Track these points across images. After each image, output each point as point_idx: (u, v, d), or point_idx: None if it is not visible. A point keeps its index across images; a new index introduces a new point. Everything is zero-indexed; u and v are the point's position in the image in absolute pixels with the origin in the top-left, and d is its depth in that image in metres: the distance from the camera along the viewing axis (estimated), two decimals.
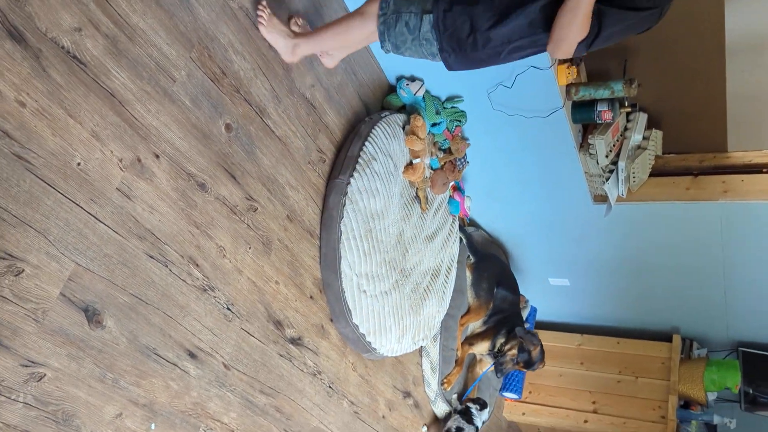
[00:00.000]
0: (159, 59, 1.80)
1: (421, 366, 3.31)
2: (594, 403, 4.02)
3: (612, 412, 3.93)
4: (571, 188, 3.18)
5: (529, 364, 3.30)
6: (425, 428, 3.25)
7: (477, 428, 3.25)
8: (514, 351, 3.29)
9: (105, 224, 1.64)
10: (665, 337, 4.05)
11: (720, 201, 2.91)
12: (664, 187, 3.09)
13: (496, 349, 3.43)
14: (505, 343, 3.35)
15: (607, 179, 3.05)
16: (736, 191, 2.90)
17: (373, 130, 2.64)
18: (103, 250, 1.64)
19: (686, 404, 3.94)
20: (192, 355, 1.90)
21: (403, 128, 2.83)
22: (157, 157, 1.80)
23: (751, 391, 3.91)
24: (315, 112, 2.49)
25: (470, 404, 3.36)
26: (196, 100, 1.93)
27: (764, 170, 2.89)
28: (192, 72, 1.92)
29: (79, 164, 1.58)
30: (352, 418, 2.67)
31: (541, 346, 3.33)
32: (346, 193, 2.48)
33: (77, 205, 1.58)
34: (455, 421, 3.23)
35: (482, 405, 3.39)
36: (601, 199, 3.19)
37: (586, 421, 3.93)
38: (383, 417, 2.90)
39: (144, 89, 1.75)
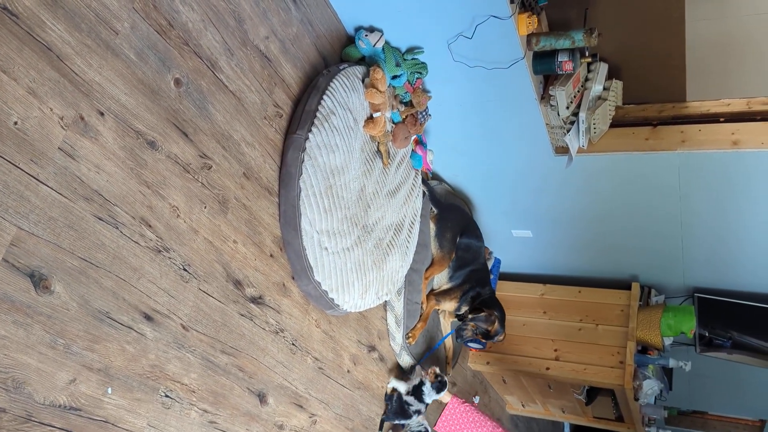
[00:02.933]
0: (99, 10, 1.70)
1: (386, 320, 3.33)
2: (556, 350, 4.11)
3: (573, 359, 4.03)
4: (533, 140, 3.17)
5: (487, 337, 3.45)
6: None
7: (426, 405, 3.18)
8: (474, 325, 3.42)
9: (48, 186, 1.57)
10: (625, 285, 4.14)
11: (678, 151, 2.94)
12: (624, 137, 3.10)
13: (460, 313, 3.51)
14: (469, 311, 3.46)
15: (568, 131, 3.05)
16: (694, 141, 2.92)
17: (332, 84, 2.58)
18: (47, 213, 1.57)
19: (644, 349, 4.06)
20: (148, 318, 1.86)
21: (363, 81, 2.77)
22: (102, 114, 1.72)
23: (706, 334, 4.05)
24: (270, 65, 2.41)
25: (427, 381, 3.16)
26: (141, 53, 1.84)
27: (721, 119, 2.91)
28: (136, 24, 1.82)
29: (16, 123, 1.50)
30: (317, 373, 2.68)
31: (501, 320, 3.43)
32: (304, 149, 2.43)
33: (16, 166, 1.50)
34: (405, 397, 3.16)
35: (440, 386, 3.17)
36: (563, 150, 3.20)
37: (548, 368, 4.02)
38: (348, 371, 2.92)
39: (84, 42, 1.66)
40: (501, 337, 3.46)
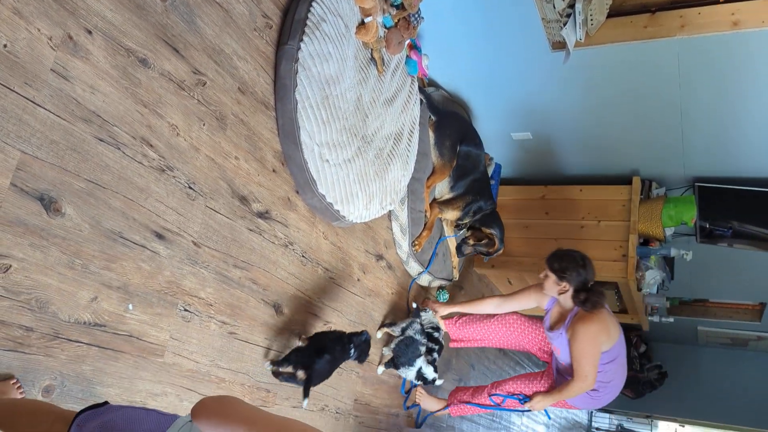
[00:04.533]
0: None
1: (391, 229, 3.37)
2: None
3: None
4: (529, 37, 3.11)
5: (488, 255, 3.73)
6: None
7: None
8: (473, 242, 3.65)
9: (45, 109, 1.56)
10: (625, 180, 4.16)
11: (677, 36, 2.88)
12: (622, 27, 3.03)
13: (462, 222, 3.61)
14: (470, 227, 3.67)
15: (565, 24, 2.98)
16: (693, 25, 2.86)
17: None
18: (48, 136, 1.57)
19: (646, 241, 4.14)
20: (159, 236, 1.89)
21: None
22: (90, 32, 1.68)
23: (707, 226, 4.11)
24: None
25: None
26: None
27: (721, 0, 2.84)
28: None
29: (5, 46, 1.47)
30: (329, 283, 2.74)
31: (501, 238, 3.65)
32: (297, 60, 2.39)
33: (11, 90, 1.49)
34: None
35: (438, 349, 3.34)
36: (560, 45, 3.13)
37: None
38: (358, 280, 2.99)
39: None
40: (501, 252, 3.72)
